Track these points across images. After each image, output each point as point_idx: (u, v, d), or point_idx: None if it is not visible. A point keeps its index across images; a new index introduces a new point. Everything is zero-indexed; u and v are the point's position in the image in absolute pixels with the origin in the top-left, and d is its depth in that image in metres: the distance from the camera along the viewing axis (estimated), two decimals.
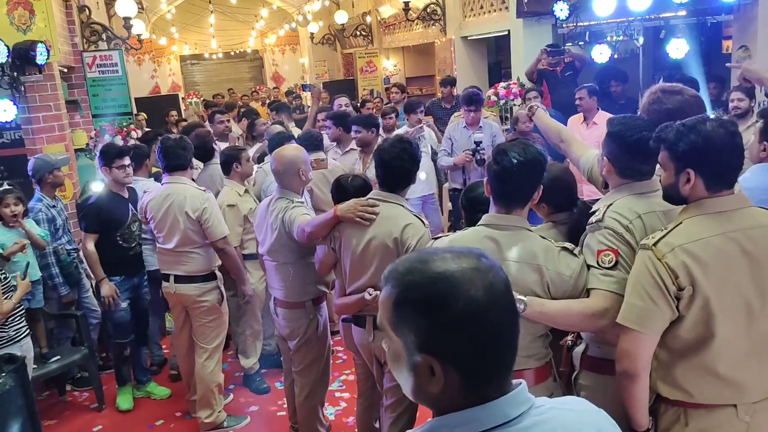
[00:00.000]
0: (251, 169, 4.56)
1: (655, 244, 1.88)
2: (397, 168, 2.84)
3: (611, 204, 2.13)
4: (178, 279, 3.96)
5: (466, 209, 2.83)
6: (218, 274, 4.06)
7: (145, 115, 10.63)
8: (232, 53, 19.04)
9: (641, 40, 6.93)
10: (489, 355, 1.02)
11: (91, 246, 4.23)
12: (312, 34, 14.64)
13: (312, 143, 4.73)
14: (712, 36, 8.25)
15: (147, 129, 7.98)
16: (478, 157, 5.42)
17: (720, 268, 1.85)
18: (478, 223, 2.23)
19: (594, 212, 2.19)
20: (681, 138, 1.90)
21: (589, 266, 2.09)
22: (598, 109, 5.67)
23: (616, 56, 7.11)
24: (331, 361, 3.96)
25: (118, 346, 4.42)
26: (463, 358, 1.01)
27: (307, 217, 3.24)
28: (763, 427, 1.93)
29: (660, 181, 2.04)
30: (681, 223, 1.91)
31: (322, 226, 3.03)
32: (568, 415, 1.10)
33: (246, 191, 4.48)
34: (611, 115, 2.47)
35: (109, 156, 4.25)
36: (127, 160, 4.30)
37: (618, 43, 7.11)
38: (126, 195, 4.40)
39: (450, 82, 8.15)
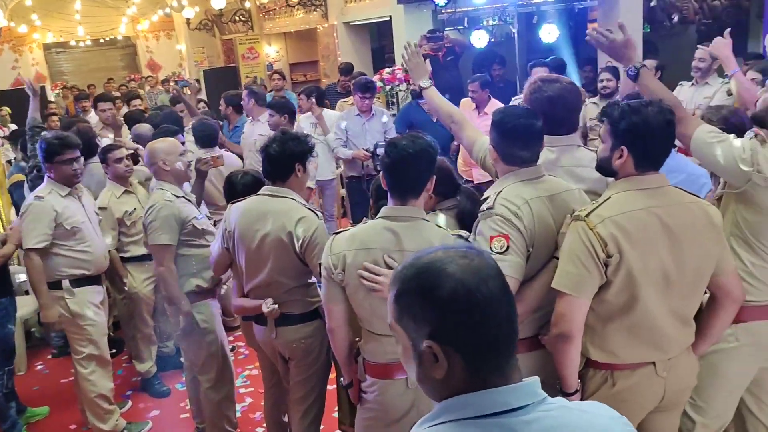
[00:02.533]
0: (122, 170, 4.20)
1: (587, 215, 2.04)
2: (268, 156, 2.85)
3: (500, 191, 2.24)
4: None
5: (375, 199, 2.86)
6: (65, 284, 3.64)
7: (8, 109, 9.88)
8: (102, 41, 18.02)
9: (516, 25, 7.24)
10: (484, 336, 1.06)
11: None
12: (188, 19, 14.10)
13: (207, 135, 4.60)
14: (580, 20, 8.77)
15: (12, 125, 7.44)
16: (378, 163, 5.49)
17: (643, 239, 2.03)
18: (377, 216, 2.28)
19: (485, 199, 2.29)
20: (623, 117, 2.07)
21: None
22: (489, 98, 5.81)
23: (492, 40, 7.39)
24: (232, 357, 3.90)
25: (7, 374, 3.85)
26: (460, 339, 1.06)
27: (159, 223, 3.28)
28: (678, 379, 2.16)
29: (597, 152, 2.23)
30: (610, 197, 2.09)
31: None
32: (578, 416, 1.10)
33: (126, 192, 4.23)
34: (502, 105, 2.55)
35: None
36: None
37: (494, 27, 7.40)
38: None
39: (350, 70, 8.21)
